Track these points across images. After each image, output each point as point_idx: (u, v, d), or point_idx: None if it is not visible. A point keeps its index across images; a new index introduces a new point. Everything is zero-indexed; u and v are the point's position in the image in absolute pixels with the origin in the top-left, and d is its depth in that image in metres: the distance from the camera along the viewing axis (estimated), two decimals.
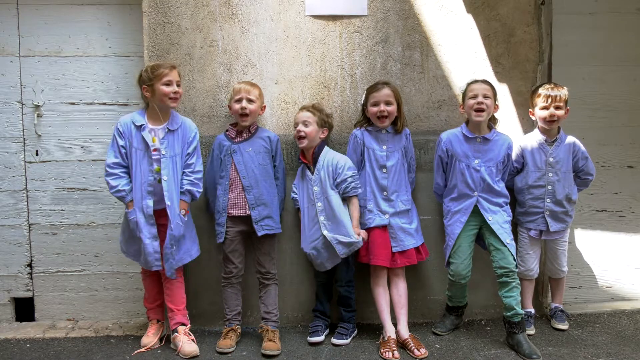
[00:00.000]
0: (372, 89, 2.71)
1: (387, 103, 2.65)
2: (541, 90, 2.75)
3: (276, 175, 2.80)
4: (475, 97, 2.61)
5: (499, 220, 2.65)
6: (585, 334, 2.78)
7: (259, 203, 2.68)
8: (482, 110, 2.60)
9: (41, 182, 3.08)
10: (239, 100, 2.66)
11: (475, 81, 2.69)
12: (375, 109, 2.66)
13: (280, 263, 2.90)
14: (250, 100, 2.67)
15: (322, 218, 2.66)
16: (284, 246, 2.93)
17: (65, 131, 3.06)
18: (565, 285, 2.98)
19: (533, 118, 2.84)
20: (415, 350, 2.52)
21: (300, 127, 2.68)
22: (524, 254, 2.84)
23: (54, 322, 3.09)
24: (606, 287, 3.28)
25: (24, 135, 3.05)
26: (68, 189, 3.09)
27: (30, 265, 3.10)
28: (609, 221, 3.27)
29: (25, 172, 3.07)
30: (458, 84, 2.94)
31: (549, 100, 2.70)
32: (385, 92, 2.66)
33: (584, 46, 3.16)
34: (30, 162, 3.07)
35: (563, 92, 2.72)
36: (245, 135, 2.74)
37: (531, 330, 2.78)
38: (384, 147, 2.72)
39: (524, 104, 2.94)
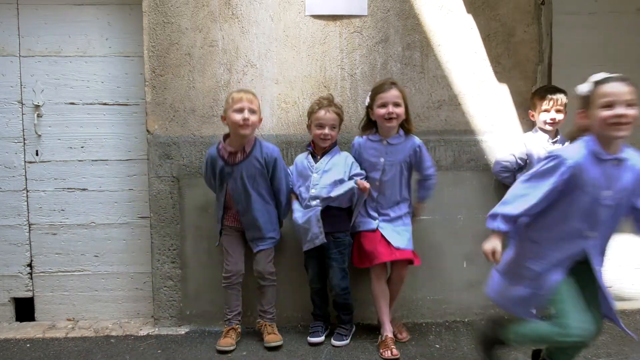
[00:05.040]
0: (379, 89, 2.57)
1: (396, 104, 2.53)
2: (543, 93, 2.77)
3: (278, 186, 2.69)
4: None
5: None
6: None
7: (251, 226, 2.66)
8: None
9: (41, 182, 3.07)
10: (240, 111, 2.49)
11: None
12: (383, 110, 2.53)
13: (281, 264, 2.90)
14: (252, 111, 2.52)
15: (313, 191, 2.63)
16: (285, 246, 2.92)
17: (65, 131, 3.06)
18: None
19: (532, 120, 2.85)
20: (399, 335, 2.70)
21: (327, 130, 2.62)
22: None
23: (54, 322, 3.09)
24: None
25: (24, 135, 3.05)
26: (68, 189, 3.09)
27: (30, 265, 3.10)
28: None
29: (25, 172, 3.07)
30: (458, 84, 2.94)
31: (551, 103, 2.73)
32: (394, 92, 2.53)
33: (584, 46, 3.16)
34: (30, 162, 3.07)
35: (563, 95, 2.74)
36: (240, 156, 2.59)
37: None
38: (382, 159, 2.63)
39: (524, 103, 2.94)
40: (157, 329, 2.91)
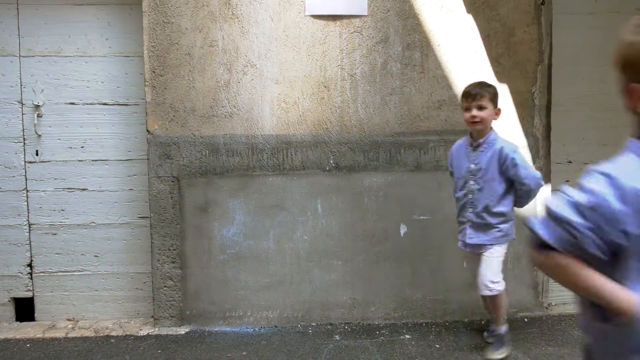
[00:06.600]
0: None
1: None
2: (465, 88, 2.48)
3: None
4: None
5: None
6: None
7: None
8: None
9: (41, 182, 3.08)
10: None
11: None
12: None
13: (280, 262, 2.91)
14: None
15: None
16: (284, 246, 2.93)
17: (65, 131, 3.06)
18: (500, 306, 2.48)
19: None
20: None
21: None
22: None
23: (54, 322, 3.09)
24: None
25: (24, 135, 3.05)
26: (68, 189, 3.09)
27: (30, 265, 3.10)
28: None
29: (25, 172, 3.07)
30: (458, 84, 2.94)
31: (469, 99, 2.42)
32: None
33: (584, 46, 3.15)
34: (30, 162, 3.07)
35: (488, 89, 2.42)
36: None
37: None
38: None
39: (524, 104, 2.94)
40: (157, 329, 2.91)
